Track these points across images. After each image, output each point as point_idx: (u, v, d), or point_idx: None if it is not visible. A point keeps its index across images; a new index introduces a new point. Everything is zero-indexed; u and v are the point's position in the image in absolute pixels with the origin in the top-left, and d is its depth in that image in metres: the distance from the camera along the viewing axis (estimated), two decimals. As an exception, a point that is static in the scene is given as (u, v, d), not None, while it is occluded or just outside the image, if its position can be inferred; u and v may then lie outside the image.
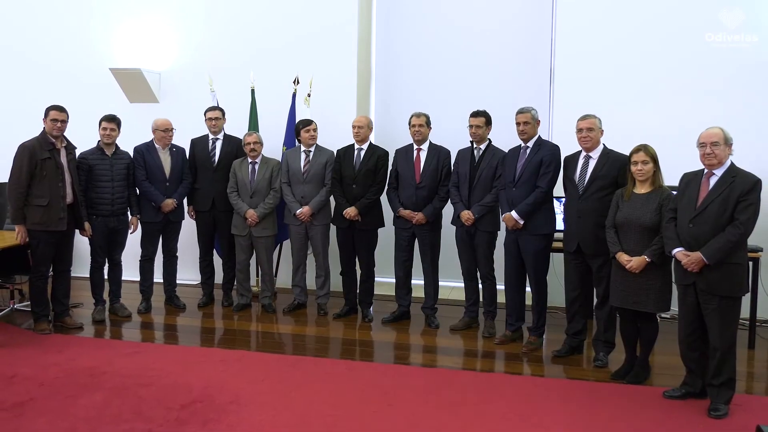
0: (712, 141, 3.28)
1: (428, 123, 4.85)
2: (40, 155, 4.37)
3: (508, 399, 3.57)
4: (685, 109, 5.04)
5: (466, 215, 4.55)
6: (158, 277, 5.40)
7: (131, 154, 5.08)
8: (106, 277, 5.10)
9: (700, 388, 3.50)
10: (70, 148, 4.61)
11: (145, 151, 5.11)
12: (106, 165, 4.83)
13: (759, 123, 4.98)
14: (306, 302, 5.40)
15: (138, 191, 5.11)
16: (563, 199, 4.32)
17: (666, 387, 3.67)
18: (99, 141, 4.88)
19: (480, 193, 4.56)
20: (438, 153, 4.84)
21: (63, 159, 4.50)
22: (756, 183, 3.25)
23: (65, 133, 4.55)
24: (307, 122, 5.13)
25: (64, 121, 4.47)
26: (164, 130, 5.10)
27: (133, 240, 5.23)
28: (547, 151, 4.28)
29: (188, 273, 5.86)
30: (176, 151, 5.23)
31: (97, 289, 5.03)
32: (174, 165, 5.17)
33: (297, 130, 5.17)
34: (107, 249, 4.99)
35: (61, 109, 4.47)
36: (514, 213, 4.26)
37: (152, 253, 5.28)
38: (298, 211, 5.06)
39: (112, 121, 4.84)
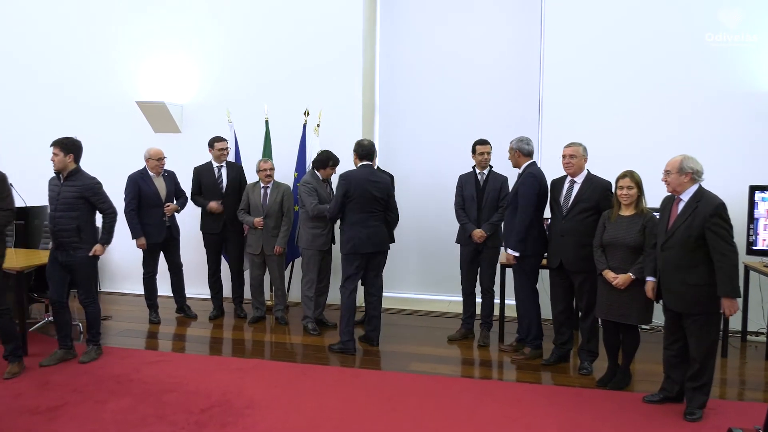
0: (666, 169, 3.37)
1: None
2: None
3: (501, 403, 3.63)
4: (670, 132, 5.08)
5: (479, 233, 4.65)
6: (167, 291, 5.54)
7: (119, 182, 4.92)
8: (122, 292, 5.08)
9: (677, 392, 3.54)
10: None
11: (140, 178, 5.14)
12: (54, 192, 4.25)
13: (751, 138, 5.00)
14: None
15: (127, 219, 5.04)
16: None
17: (645, 392, 3.73)
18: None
19: (488, 213, 4.68)
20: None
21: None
22: (717, 207, 3.19)
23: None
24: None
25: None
26: (157, 159, 5.19)
27: (137, 258, 5.37)
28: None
29: (194, 287, 5.93)
30: (168, 176, 5.33)
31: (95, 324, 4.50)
32: (168, 189, 5.29)
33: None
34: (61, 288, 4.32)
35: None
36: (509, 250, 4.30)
37: (154, 269, 5.37)
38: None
39: (56, 145, 4.17)
